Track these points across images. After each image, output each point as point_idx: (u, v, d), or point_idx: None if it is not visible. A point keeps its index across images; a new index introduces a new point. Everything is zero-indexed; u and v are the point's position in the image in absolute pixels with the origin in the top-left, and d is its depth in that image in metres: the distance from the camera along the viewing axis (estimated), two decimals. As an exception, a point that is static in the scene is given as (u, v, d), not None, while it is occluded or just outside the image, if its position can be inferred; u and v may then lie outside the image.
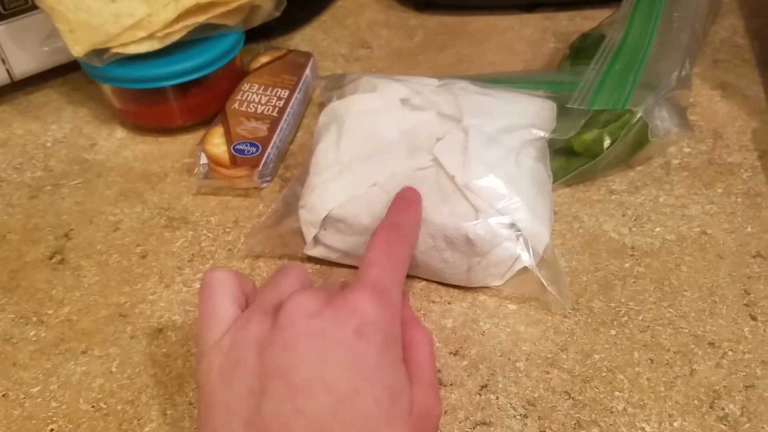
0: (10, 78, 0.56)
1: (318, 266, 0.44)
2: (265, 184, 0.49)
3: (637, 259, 0.42)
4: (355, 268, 0.43)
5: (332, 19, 0.66)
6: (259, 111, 0.52)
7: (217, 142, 0.50)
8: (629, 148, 0.47)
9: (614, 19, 0.53)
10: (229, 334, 0.31)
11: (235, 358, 0.30)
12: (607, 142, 0.46)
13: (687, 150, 0.49)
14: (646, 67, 0.45)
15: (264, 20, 0.54)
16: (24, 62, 0.55)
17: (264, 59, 0.57)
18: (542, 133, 0.44)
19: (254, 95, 0.53)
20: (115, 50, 0.48)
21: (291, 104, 0.53)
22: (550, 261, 0.40)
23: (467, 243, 0.39)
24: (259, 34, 0.60)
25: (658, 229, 0.44)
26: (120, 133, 0.55)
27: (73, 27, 0.46)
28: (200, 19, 0.49)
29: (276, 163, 0.51)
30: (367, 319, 0.30)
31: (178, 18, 0.48)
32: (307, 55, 0.58)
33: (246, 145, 0.49)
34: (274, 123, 0.51)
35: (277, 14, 0.55)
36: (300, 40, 0.64)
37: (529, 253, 0.40)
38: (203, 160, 0.49)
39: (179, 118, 0.53)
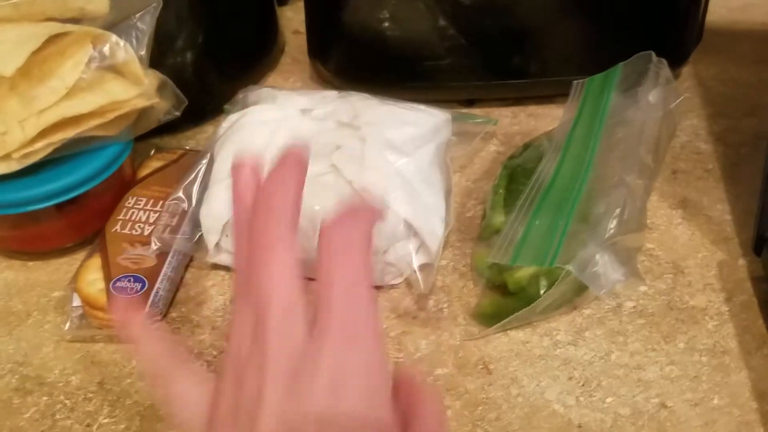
0: None
1: (225, 274, 0.44)
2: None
3: (585, 442, 0.35)
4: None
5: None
6: (146, 233, 0.44)
7: (92, 279, 0.41)
8: (570, 291, 0.40)
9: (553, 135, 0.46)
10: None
11: None
12: (543, 285, 0.39)
13: (643, 289, 0.42)
14: (579, 211, 0.38)
15: (159, 123, 0.47)
16: None
17: (155, 164, 0.49)
18: (437, 140, 0.46)
19: (140, 212, 0.45)
20: (-39, 174, 0.39)
21: (186, 221, 0.45)
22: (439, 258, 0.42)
23: None
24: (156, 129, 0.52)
25: (609, 400, 0.37)
26: (-17, 256, 0.46)
27: None
28: (69, 134, 0.41)
29: (167, 298, 0.43)
30: (339, 377, 0.23)
31: (42, 134, 0.40)
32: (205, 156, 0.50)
33: (128, 281, 0.41)
34: (164, 248, 0.43)
35: (178, 114, 0.47)
36: (213, 133, 0.56)
37: (425, 251, 0.42)
38: (75, 302, 0.41)
39: (52, 241, 0.45)
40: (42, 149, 0.40)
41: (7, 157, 0.40)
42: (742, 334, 0.40)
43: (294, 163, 0.27)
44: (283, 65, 0.63)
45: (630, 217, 0.38)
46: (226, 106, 0.55)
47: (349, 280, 0.24)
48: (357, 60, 0.57)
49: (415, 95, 0.57)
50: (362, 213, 0.26)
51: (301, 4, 0.69)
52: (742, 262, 0.44)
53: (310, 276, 0.25)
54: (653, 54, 0.45)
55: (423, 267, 0.42)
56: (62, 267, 0.45)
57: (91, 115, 0.41)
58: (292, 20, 0.67)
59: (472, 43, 0.54)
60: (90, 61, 0.40)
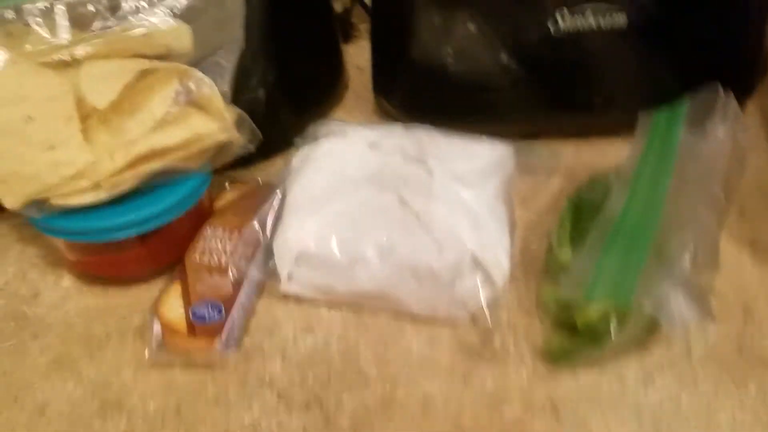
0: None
1: (294, 304, 0.45)
2: (231, 352, 0.42)
3: (656, 488, 0.35)
4: (330, 306, 0.45)
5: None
6: (223, 262, 0.46)
7: (173, 305, 0.43)
8: (642, 330, 0.40)
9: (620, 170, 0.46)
10: None
11: None
12: (614, 323, 0.39)
13: (713, 330, 0.42)
14: (654, 247, 0.38)
15: (235, 157, 0.49)
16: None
17: (230, 195, 0.51)
18: (501, 173, 0.48)
19: (218, 242, 0.47)
20: (55, 201, 0.42)
21: (260, 251, 0.47)
22: (505, 293, 0.43)
23: (432, 275, 0.42)
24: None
25: (680, 444, 0.37)
26: (67, 280, 0.48)
27: (3, 177, 0.41)
28: (155, 165, 0.43)
29: (242, 326, 0.44)
30: None
31: (130, 165, 0.42)
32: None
33: (206, 309, 0.43)
34: (239, 276, 0.45)
35: (252, 148, 0.49)
36: (284, 166, 0.57)
37: (490, 285, 0.43)
38: (156, 327, 0.42)
39: (134, 269, 0.47)
40: (129, 179, 0.42)
41: (96, 186, 0.42)
42: (817, 381, 0.39)
43: None
44: (347, 100, 0.65)
45: (704, 253, 0.38)
46: (296, 140, 0.57)
47: None
48: (421, 94, 0.58)
49: (479, 128, 0.57)
50: None
51: (363, 42, 0.71)
52: (815, 306, 0.43)
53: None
54: (720, 87, 0.45)
55: (489, 302, 0.43)
56: (141, 294, 0.47)
57: (176, 147, 0.43)
58: (355, 57, 0.69)
59: (534, 76, 0.55)
60: (176, 96, 0.42)
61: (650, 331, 0.41)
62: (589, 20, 0.50)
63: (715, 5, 0.50)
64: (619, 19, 0.49)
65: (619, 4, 0.49)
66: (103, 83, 0.39)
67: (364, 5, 0.69)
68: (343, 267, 0.43)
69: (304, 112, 0.61)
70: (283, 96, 0.57)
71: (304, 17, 0.57)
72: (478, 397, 0.40)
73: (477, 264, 0.42)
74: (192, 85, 0.42)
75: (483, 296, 0.43)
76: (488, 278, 0.43)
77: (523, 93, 0.56)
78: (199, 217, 0.48)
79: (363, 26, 0.72)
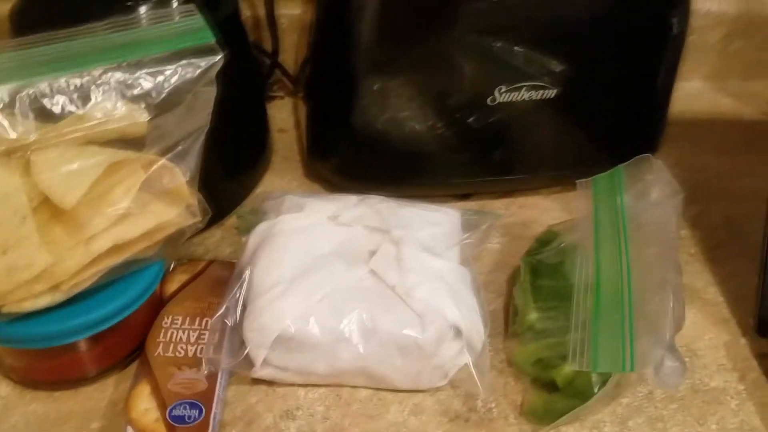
0: None
1: (268, 388, 0.44)
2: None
3: None
4: (305, 386, 0.44)
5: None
6: (190, 354, 0.43)
7: (145, 408, 0.40)
8: (616, 383, 0.43)
9: (568, 230, 0.50)
10: None
11: None
12: (596, 380, 0.42)
13: (667, 373, 0.46)
14: (636, 311, 0.41)
15: (187, 238, 0.46)
16: None
17: (180, 276, 0.49)
18: (458, 238, 0.49)
19: (179, 332, 0.44)
20: (5, 310, 0.37)
21: (227, 337, 0.45)
22: (483, 356, 0.44)
23: (416, 347, 0.42)
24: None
25: (665, 487, 0.40)
26: (4, 387, 0.43)
27: (-51, 288, 0.36)
28: (116, 260, 0.40)
29: (221, 420, 0.42)
30: None
31: (90, 262, 0.39)
32: (231, 266, 0.50)
33: (185, 408, 0.40)
34: (211, 368, 0.42)
35: (201, 226, 0.47)
36: (221, 237, 0.55)
37: (470, 350, 0.43)
38: (130, 434, 0.39)
39: (85, 369, 0.43)
40: (89, 278, 0.39)
41: (54, 288, 0.38)
42: (762, 411, 0.44)
43: None
44: (275, 164, 0.64)
45: (679, 314, 0.41)
46: (239, 213, 0.55)
47: None
48: (358, 159, 0.58)
49: (413, 191, 0.59)
50: None
51: (281, 103, 0.71)
52: (743, 341, 0.48)
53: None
54: (651, 156, 0.50)
55: (471, 367, 0.43)
56: (93, 395, 0.43)
57: (138, 239, 0.40)
58: (275, 119, 0.68)
59: (467, 142, 0.57)
60: (142, 186, 0.39)
61: (621, 382, 0.44)
62: (522, 95, 0.53)
63: (629, 83, 0.56)
64: (549, 94, 0.53)
65: (551, 84, 0.53)
66: (67, 181, 0.36)
67: (283, 70, 0.69)
68: (324, 347, 0.42)
69: (237, 181, 0.59)
70: (216, 166, 0.54)
71: (242, 87, 0.56)
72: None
73: (458, 333, 0.43)
74: (158, 175, 0.39)
75: (465, 362, 0.43)
76: (468, 344, 0.43)
77: (455, 158, 0.58)
78: (152, 304, 0.45)
79: (277, 86, 0.72)
